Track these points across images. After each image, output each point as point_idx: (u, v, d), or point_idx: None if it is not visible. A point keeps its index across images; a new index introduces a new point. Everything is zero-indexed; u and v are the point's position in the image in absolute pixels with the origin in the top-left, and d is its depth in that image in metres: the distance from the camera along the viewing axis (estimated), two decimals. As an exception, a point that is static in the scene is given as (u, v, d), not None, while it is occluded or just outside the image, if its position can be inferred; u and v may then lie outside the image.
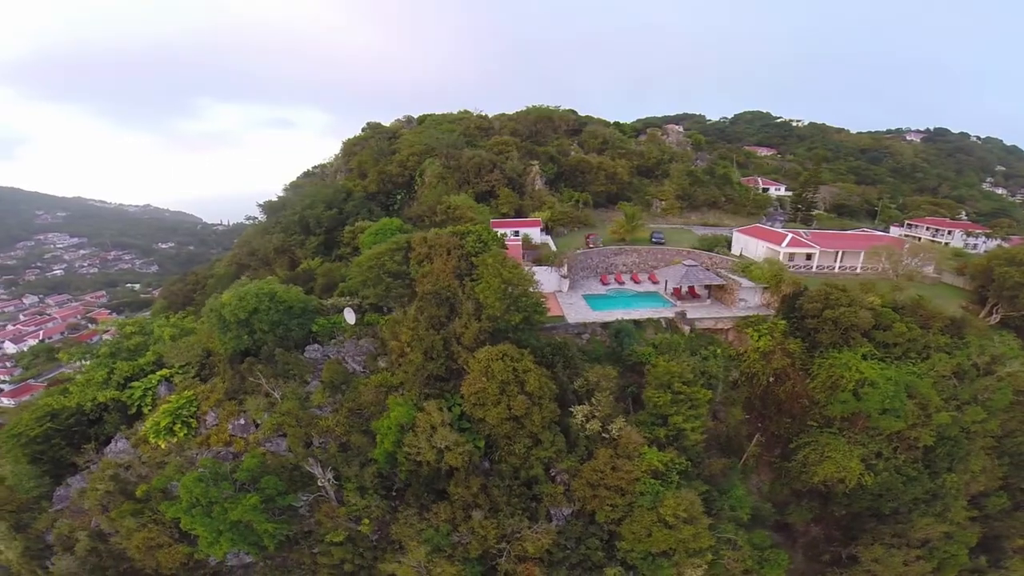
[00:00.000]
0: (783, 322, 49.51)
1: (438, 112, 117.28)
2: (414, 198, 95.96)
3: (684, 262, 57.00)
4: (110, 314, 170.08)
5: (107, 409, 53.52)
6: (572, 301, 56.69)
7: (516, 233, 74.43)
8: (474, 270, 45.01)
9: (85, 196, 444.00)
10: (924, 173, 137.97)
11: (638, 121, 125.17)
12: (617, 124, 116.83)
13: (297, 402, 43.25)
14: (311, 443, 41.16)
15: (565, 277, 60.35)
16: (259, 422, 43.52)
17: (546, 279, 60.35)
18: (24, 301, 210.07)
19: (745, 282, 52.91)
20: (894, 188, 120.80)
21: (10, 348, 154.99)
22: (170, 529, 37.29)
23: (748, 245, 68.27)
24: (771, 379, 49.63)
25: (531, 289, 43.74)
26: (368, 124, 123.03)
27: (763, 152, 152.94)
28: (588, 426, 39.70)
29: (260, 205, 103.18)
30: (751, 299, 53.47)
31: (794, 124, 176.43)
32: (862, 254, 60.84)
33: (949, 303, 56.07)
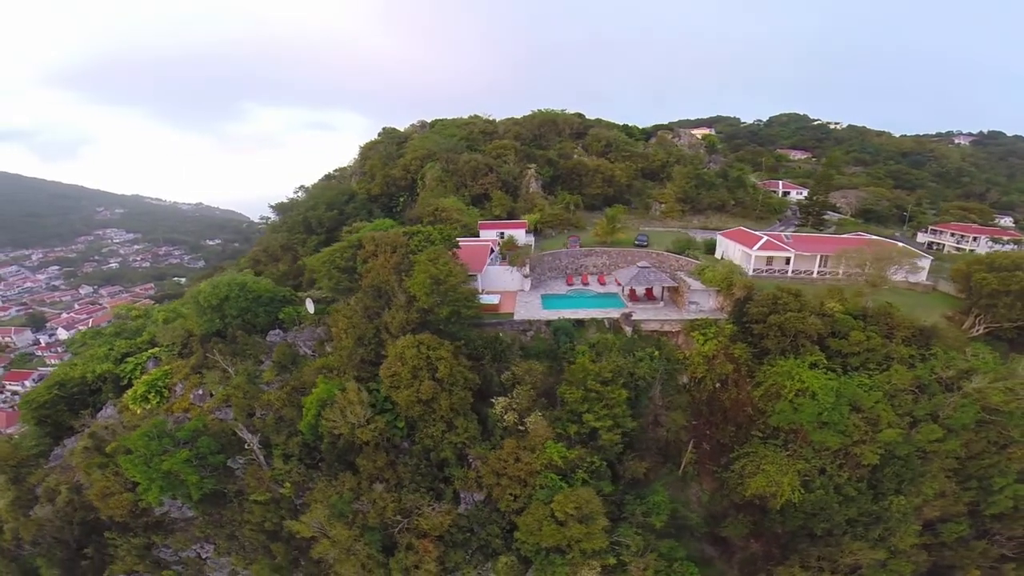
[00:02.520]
0: (730, 326, 50.13)
1: (449, 117, 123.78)
2: (416, 201, 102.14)
3: (638, 263, 58.66)
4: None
5: (105, 380, 62.28)
6: (528, 300, 59.73)
7: (501, 235, 78.43)
8: (413, 267, 49.37)
9: (143, 194, 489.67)
10: (971, 178, 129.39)
11: (655, 125, 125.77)
12: (626, 127, 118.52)
13: (246, 378, 49.21)
14: (253, 414, 46.79)
15: (527, 277, 63.46)
16: (213, 393, 49.78)
17: (508, 279, 63.97)
18: (80, 291, 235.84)
19: (695, 284, 54.01)
20: (935, 193, 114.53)
21: (63, 334, 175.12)
22: (123, 480, 43.70)
23: (728, 248, 68.67)
24: (717, 385, 50.46)
25: (466, 285, 47.35)
26: (384, 129, 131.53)
27: (796, 155, 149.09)
28: (506, 417, 42.75)
29: (272, 206, 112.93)
30: (704, 302, 54.39)
31: (832, 127, 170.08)
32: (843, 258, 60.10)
33: (931, 312, 54.53)
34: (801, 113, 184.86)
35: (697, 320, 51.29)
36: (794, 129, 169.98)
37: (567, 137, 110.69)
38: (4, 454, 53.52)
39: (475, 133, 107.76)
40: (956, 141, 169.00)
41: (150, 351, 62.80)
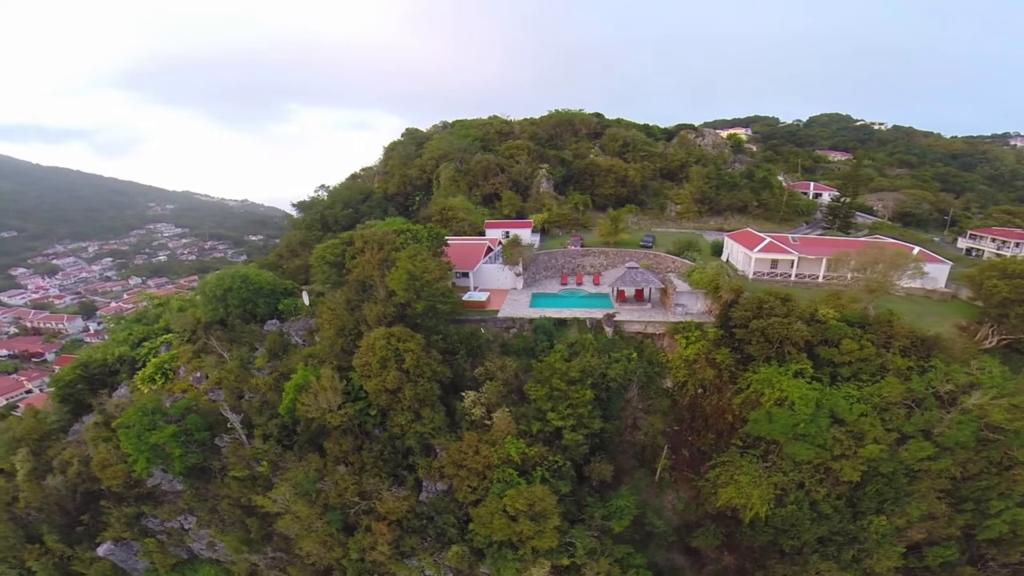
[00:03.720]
0: (713, 330, 49.69)
1: (471, 117, 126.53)
2: (431, 200, 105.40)
3: (626, 264, 58.74)
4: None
5: (122, 363, 67.96)
6: (518, 298, 60.98)
7: (507, 234, 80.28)
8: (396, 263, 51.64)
9: (193, 190, 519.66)
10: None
11: (678, 125, 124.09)
12: (646, 127, 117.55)
13: (239, 363, 52.84)
14: (242, 396, 50.27)
15: (519, 275, 64.70)
16: (208, 376, 53.71)
17: (501, 277, 65.48)
18: (129, 282, 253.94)
19: (683, 286, 53.71)
20: (986, 197, 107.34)
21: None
22: (120, 452, 47.94)
23: (733, 251, 67.63)
24: (699, 391, 50.03)
25: (442, 282, 49.06)
26: (407, 129, 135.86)
27: (836, 156, 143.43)
28: (473, 411, 44.19)
29: (294, 204, 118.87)
30: (693, 305, 53.92)
31: (876, 127, 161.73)
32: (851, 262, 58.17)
33: (942, 322, 52.09)
34: (844, 113, 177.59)
35: (681, 323, 51.04)
36: (835, 130, 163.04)
37: (584, 137, 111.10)
38: (28, 428, 59.55)
39: (491, 133, 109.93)
40: (1012, 143, 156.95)
41: (164, 337, 68.09)
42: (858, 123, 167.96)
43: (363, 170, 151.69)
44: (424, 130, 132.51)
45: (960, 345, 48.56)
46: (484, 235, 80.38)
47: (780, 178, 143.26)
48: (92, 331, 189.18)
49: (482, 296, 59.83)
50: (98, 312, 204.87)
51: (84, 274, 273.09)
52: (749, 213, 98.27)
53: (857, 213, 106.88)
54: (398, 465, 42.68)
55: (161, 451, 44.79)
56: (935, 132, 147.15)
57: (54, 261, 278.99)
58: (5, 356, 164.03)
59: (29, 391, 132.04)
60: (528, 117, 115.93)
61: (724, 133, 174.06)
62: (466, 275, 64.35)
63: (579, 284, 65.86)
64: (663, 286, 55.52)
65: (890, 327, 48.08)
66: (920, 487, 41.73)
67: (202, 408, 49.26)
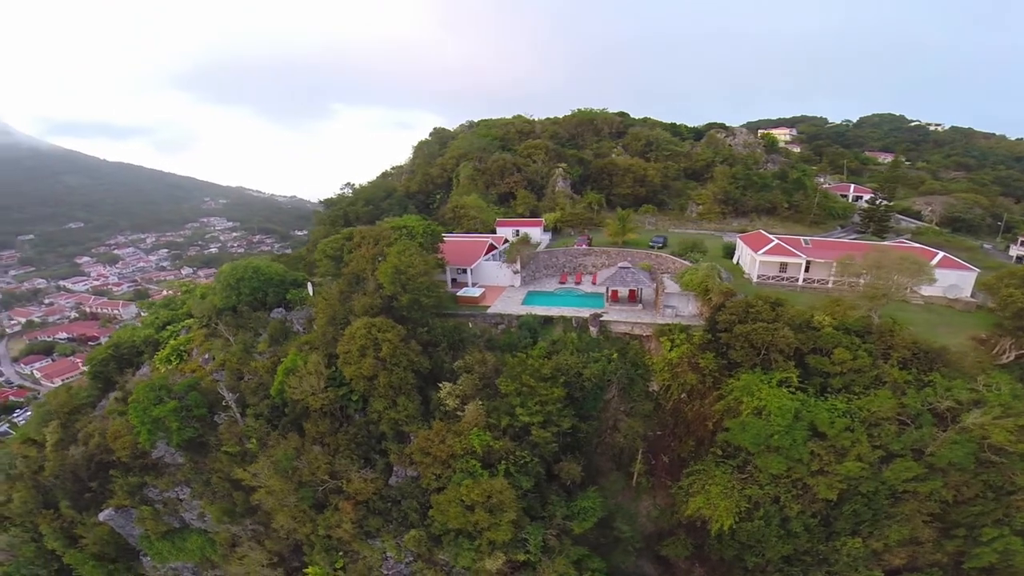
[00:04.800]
0: (699, 333, 49.22)
1: (495, 117, 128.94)
2: (449, 198, 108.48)
3: (619, 264, 58.82)
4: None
5: (148, 344, 74.11)
6: (512, 295, 62.33)
7: (517, 232, 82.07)
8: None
9: (245, 186, 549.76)
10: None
11: (707, 124, 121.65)
12: (673, 125, 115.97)
13: (242, 347, 56.91)
14: (242, 377, 54.19)
15: (517, 273, 66.02)
16: (215, 357, 58.16)
17: (499, 274, 67.09)
18: (182, 272, 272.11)
19: (672, 287, 53.42)
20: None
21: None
22: (129, 424, 52.77)
23: (743, 253, 66.37)
24: (683, 395, 49.66)
25: (426, 277, 50.98)
26: (434, 129, 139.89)
27: (887, 159, 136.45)
28: (447, 401, 45.94)
29: (321, 201, 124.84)
30: (684, 307, 53.44)
31: (931, 128, 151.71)
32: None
33: (958, 333, 49.54)
34: (896, 114, 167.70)
35: (667, 325, 50.85)
36: (886, 131, 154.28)
37: (606, 137, 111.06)
38: (61, 402, 66.30)
39: (511, 133, 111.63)
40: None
41: (185, 321, 73.81)
42: (912, 123, 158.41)
43: (394, 168, 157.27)
44: (451, 129, 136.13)
45: (971, 359, 45.91)
46: (495, 233, 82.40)
47: (821, 180, 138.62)
48: (143, 317, 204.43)
49: (476, 292, 61.59)
50: (150, 299, 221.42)
51: (141, 264, 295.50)
52: (778, 215, 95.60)
53: (901, 218, 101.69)
54: (371, 449, 45.03)
55: (162, 424, 49.21)
56: (998, 133, 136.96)
57: (115, 251, 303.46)
58: (64, 339, 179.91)
59: (83, 373, 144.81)
60: (550, 116, 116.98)
61: (768, 133, 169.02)
62: (466, 271, 66.39)
63: (578, 283, 66.44)
64: (654, 286, 55.36)
65: (891, 337, 46.20)
66: (904, 509, 39.65)
67: (205, 387, 53.53)
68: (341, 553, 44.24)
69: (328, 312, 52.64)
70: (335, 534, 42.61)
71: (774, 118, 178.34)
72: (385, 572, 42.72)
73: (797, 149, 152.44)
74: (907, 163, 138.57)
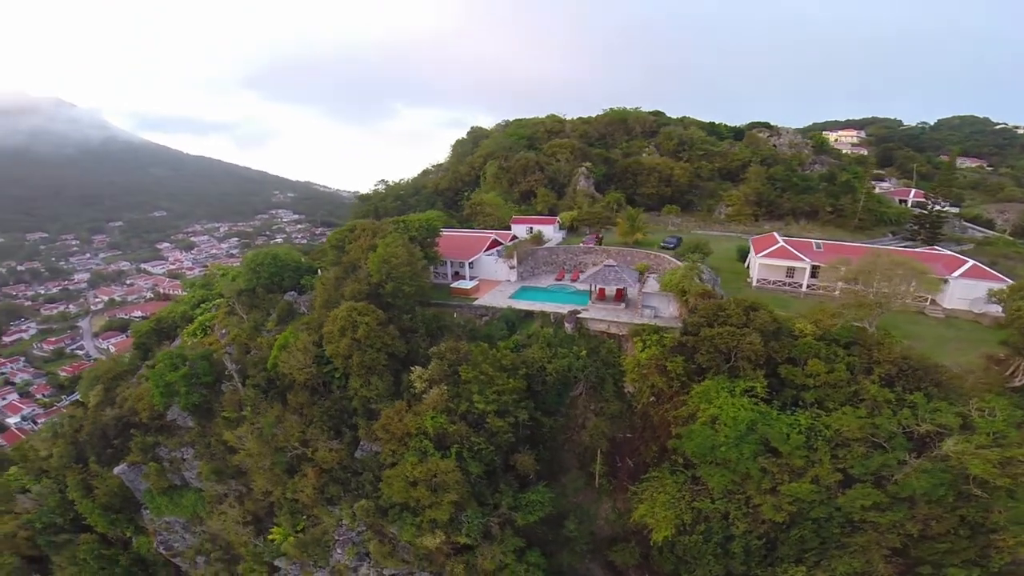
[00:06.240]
0: (670, 336, 49.48)
1: (528, 116, 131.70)
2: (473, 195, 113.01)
3: (605, 262, 59.71)
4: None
5: (184, 319, 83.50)
6: (504, 289, 64.91)
7: (530, 229, 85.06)
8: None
9: (313, 181, 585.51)
10: None
11: (750, 123, 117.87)
12: (712, 124, 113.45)
13: (253, 325, 63.52)
14: (249, 351, 60.49)
15: (513, 268, 68.55)
16: (229, 332, 65.22)
17: (497, 268, 69.95)
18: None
19: (652, 287, 53.91)
20: None
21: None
22: (150, 388, 60.52)
23: (751, 256, 65.61)
24: (651, 398, 49.97)
25: (412, 268, 54.73)
26: (472, 128, 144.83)
27: (967, 163, 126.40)
28: (416, 384, 49.37)
29: (358, 197, 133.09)
30: (664, 308, 53.71)
31: (1020, 131, 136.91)
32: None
33: (969, 350, 46.75)
34: (980, 116, 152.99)
35: (641, 325, 51.44)
36: (967, 133, 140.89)
37: (638, 136, 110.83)
38: (106, 368, 76.50)
39: (540, 132, 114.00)
40: None
41: (216, 300, 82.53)
42: (998, 126, 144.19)
43: (434, 166, 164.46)
44: (488, 128, 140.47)
45: (973, 380, 43.34)
46: (510, 230, 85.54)
47: (886, 184, 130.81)
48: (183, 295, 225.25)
49: (469, 284, 64.83)
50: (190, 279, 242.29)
51: (214, 251, 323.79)
52: (819, 219, 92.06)
53: (969, 226, 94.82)
54: (343, 423, 49.25)
55: (173, 388, 56.32)
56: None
57: (192, 238, 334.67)
58: (139, 317, 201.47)
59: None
60: (581, 116, 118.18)
61: (832, 136, 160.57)
62: (466, 265, 69.91)
63: (574, 280, 67.78)
64: (638, 287, 56.00)
65: (878, 350, 44.41)
66: (860, 540, 37.57)
67: (217, 358, 60.37)
68: (305, 517, 48.89)
69: (324, 296, 57.84)
70: (300, 498, 47.23)
71: (842, 120, 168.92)
72: (337, 537, 46.79)
73: (864, 152, 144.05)
74: (988, 168, 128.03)
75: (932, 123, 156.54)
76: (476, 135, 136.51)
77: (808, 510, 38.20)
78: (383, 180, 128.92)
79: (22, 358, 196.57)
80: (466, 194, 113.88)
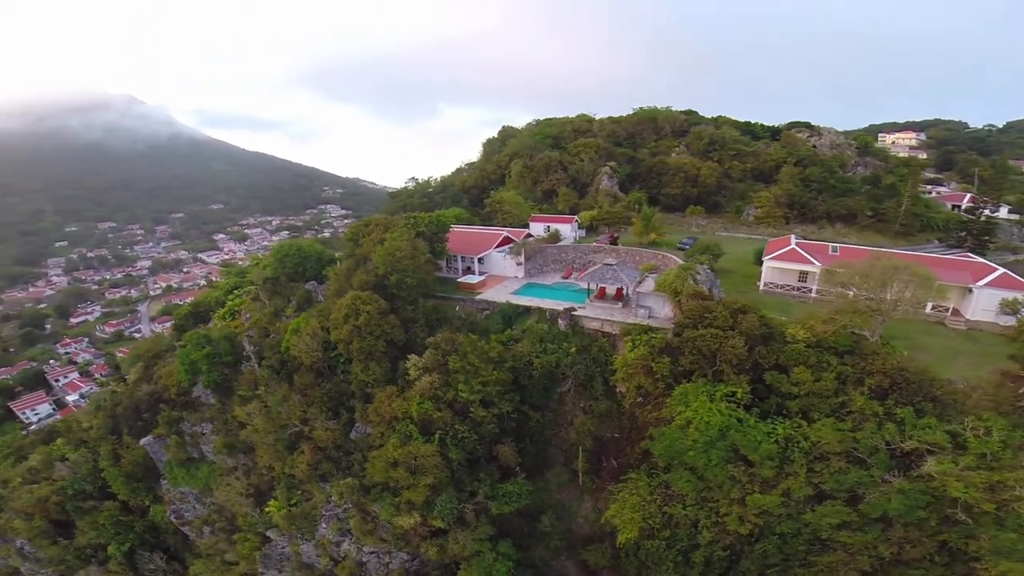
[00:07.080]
0: (659, 336, 50.03)
1: (559, 116, 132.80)
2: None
3: (604, 261, 60.63)
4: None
5: (219, 304, 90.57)
6: (509, 285, 67.09)
7: (548, 228, 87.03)
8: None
9: (361, 178, 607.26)
10: None
11: (790, 123, 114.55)
12: (747, 124, 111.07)
13: (273, 310, 68.67)
14: (268, 335, 65.51)
15: (520, 265, 70.59)
16: (251, 316, 70.73)
17: (505, 265, 72.21)
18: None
19: (647, 287, 54.58)
20: None
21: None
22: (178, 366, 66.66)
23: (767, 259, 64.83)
24: (638, 399, 50.67)
25: (415, 262, 57.80)
26: (503, 127, 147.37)
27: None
28: (410, 371, 52.38)
29: (389, 194, 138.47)
30: (660, 309, 54.27)
31: None
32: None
33: (981, 365, 44.63)
34: None
35: (633, 325, 52.30)
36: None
37: (667, 135, 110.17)
38: (148, 347, 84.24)
39: (567, 131, 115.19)
40: None
41: (247, 288, 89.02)
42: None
43: (467, 164, 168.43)
44: (518, 128, 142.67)
45: (978, 396, 41.90)
46: (528, 228, 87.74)
47: (943, 188, 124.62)
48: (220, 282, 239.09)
49: (475, 279, 67.48)
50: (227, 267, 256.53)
51: (266, 243, 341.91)
52: (858, 223, 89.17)
53: None
54: (341, 405, 52.90)
55: (197, 367, 62.02)
56: None
57: (246, 230, 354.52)
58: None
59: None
60: (610, 116, 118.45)
61: (890, 138, 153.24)
62: (477, 260, 72.68)
63: (580, 279, 69.19)
64: (632, 285, 56.77)
65: (873, 360, 43.48)
66: (826, 559, 36.90)
67: (238, 340, 65.79)
68: (299, 492, 52.90)
69: (336, 285, 62.04)
70: (296, 473, 51.22)
71: (902, 121, 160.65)
72: (324, 512, 50.43)
73: (923, 155, 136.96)
74: (1001, 162, 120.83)
75: (1000, 125, 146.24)
76: (506, 134, 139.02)
77: (775, 524, 37.91)
78: (413, 177, 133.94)
79: (86, 339, 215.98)
80: (491, 192, 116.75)
